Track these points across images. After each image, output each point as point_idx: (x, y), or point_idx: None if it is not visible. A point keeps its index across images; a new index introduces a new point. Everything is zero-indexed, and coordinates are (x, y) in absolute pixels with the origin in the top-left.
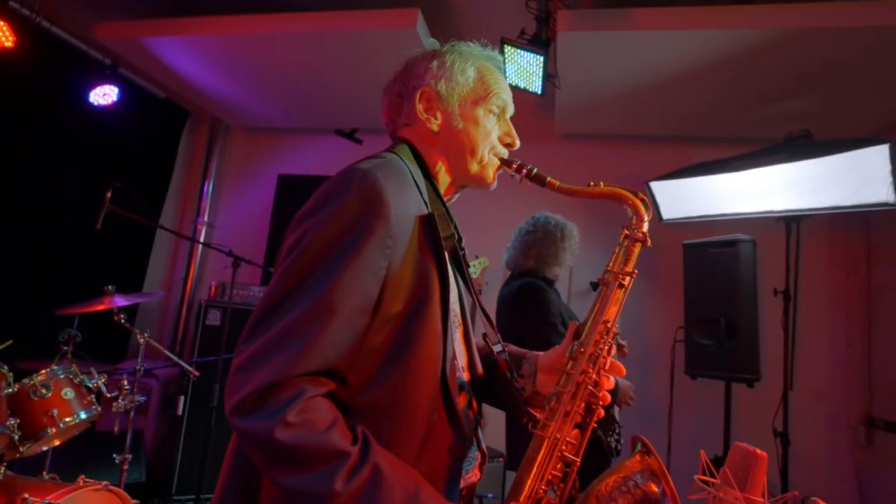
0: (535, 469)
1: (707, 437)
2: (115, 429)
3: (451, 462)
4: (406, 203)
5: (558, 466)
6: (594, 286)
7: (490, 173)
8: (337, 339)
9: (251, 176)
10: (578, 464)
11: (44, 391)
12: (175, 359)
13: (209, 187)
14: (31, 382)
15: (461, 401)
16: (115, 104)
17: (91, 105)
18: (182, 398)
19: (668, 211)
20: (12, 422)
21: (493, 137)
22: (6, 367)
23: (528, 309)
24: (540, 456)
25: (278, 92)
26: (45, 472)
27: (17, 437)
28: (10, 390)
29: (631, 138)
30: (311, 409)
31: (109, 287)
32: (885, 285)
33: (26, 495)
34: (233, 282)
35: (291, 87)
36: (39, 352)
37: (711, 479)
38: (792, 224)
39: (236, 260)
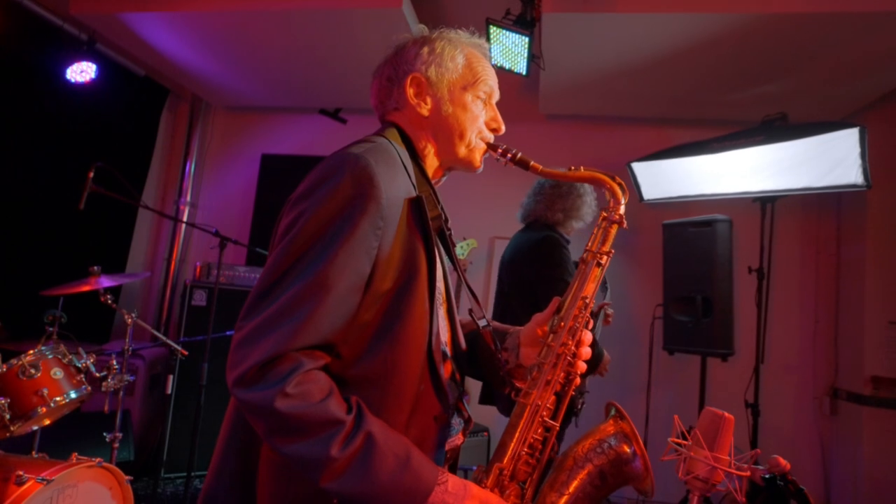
0: (517, 433)
1: (683, 408)
2: (106, 408)
3: (437, 429)
4: (396, 186)
5: (539, 431)
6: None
7: (477, 157)
8: (331, 315)
9: (234, 156)
10: (557, 428)
11: (32, 371)
12: (164, 339)
13: (191, 167)
14: (20, 362)
15: (445, 373)
16: (93, 81)
17: (68, 82)
18: (171, 377)
19: (649, 191)
20: (2, 401)
21: (480, 122)
22: None
23: (548, 263)
24: (522, 421)
25: (261, 70)
26: (34, 452)
27: (7, 417)
28: None
29: (613, 119)
30: (309, 381)
31: (95, 268)
32: (853, 264)
33: (20, 472)
34: (220, 261)
35: (274, 65)
36: (24, 333)
37: (684, 442)
38: (767, 204)
39: (223, 240)
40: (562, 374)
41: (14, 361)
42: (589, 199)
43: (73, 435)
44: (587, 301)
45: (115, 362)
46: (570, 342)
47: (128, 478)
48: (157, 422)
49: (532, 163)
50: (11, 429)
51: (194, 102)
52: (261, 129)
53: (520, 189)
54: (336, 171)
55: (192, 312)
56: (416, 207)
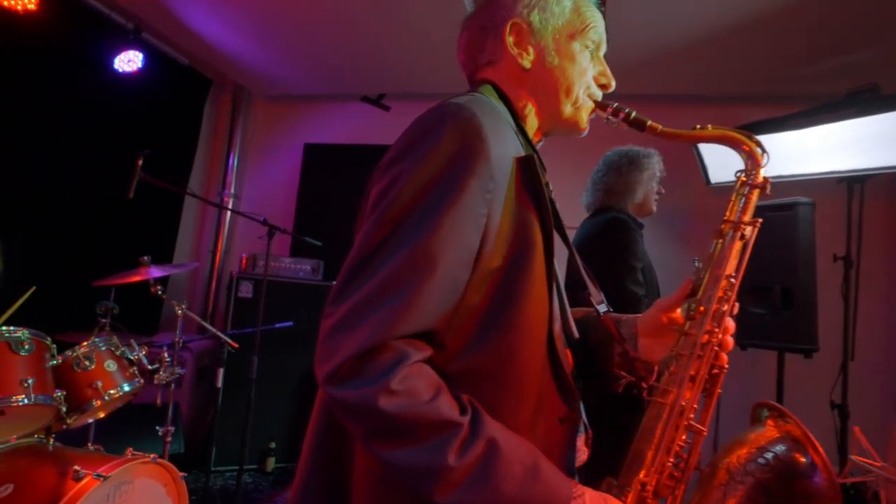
0: (656, 439)
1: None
2: (158, 401)
3: (565, 434)
4: (503, 143)
5: (683, 438)
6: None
7: (584, 116)
8: (438, 296)
9: (276, 146)
10: (705, 433)
11: (87, 363)
12: (214, 331)
13: (234, 159)
14: (75, 354)
15: (569, 366)
16: (139, 71)
17: (115, 72)
18: (221, 370)
19: (717, 174)
20: (59, 394)
21: (588, 76)
22: (49, 339)
23: (611, 245)
24: (661, 425)
25: (303, 55)
26: (89, 444)
27: (64, 410)
28: (55, 362)
29: (674, 98)
30: (416, 376)
31: (145, 258)
32: None
33: (77, 467)
34: (268, 251)
35: (317, 49)
36: (75, 324)
37: (873, 462)
38: (854, 185)
39: (271, 229)
40: (706, 369)
41: (69, 353)
42: (653, 161)
43: (125, 427)
44: (732, 281)
45: (166, 355)
46: (716, 330)
47: (182, 474)
48: (204, 414)
49: (650, 122)
50: (68, 421)
51: (236, 92)
52: (303, 118)
53: (578, 169)
54: (436, 124)
55: (238, 304)
56: (527, 168)
